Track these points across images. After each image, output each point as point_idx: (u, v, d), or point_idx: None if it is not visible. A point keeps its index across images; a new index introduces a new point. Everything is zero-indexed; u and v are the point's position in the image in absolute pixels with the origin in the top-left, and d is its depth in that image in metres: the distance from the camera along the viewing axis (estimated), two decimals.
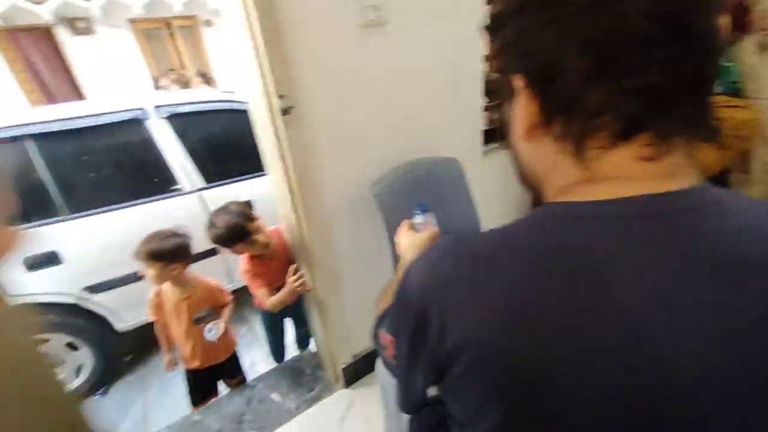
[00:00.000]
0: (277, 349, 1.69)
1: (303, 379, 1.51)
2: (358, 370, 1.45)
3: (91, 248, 1.63)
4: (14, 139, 1.50)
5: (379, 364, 0.89)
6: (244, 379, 1.56)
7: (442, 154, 1.21)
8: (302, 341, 1.73)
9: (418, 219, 0.82)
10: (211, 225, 1.25)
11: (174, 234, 1.25)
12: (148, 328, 1.46)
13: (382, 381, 0.89)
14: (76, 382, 1.72)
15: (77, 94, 4.58)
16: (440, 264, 0.33)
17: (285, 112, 0.94)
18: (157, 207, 1.76)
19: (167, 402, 1.70)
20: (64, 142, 1.61)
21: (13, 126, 1.51)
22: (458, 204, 1.20)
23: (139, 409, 1.71)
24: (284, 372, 1.55)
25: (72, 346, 1.67)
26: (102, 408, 1.76)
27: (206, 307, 1.35)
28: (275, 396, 1.44)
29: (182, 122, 1.83)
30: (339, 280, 1.25)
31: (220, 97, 2.03)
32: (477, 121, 1.39)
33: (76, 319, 1.65)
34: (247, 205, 1.36)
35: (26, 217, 1.51)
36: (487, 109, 1.39)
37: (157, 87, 4.87)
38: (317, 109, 1.00)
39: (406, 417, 0.64)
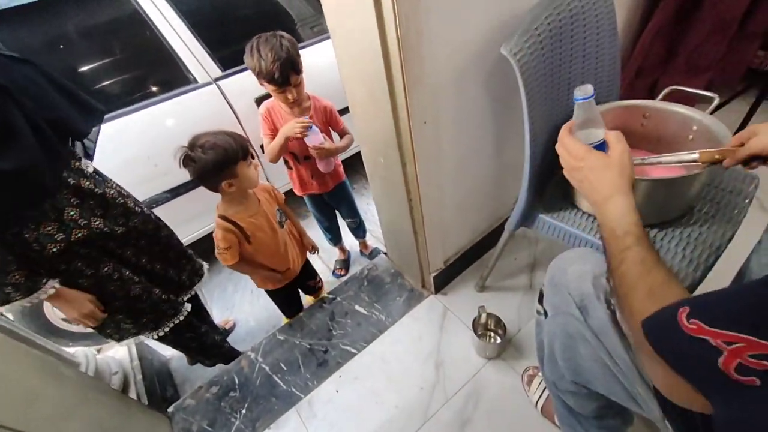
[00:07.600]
0: (333, 234, 1.63)
1: (383, 289, 1.38)
2: (448, 276, 1.30)
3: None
4: None
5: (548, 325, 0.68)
6: (321, 283, 1.49)
7: None
8: (356, 231, 1.64)
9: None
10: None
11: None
12: None
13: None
14: None
15: None
16: None
17: None
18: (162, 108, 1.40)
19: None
20: None
21: None
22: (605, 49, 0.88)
23: None
24: (360, 282, 1.41)
25: None
26: None
27: (276, 207, 1.13)
28: (359, 308, 1.33)
29: None
30: (440, 175, 0.99)
31: None
32: None
33: None
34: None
35: None
36: None
37: None
38: None
39: None
